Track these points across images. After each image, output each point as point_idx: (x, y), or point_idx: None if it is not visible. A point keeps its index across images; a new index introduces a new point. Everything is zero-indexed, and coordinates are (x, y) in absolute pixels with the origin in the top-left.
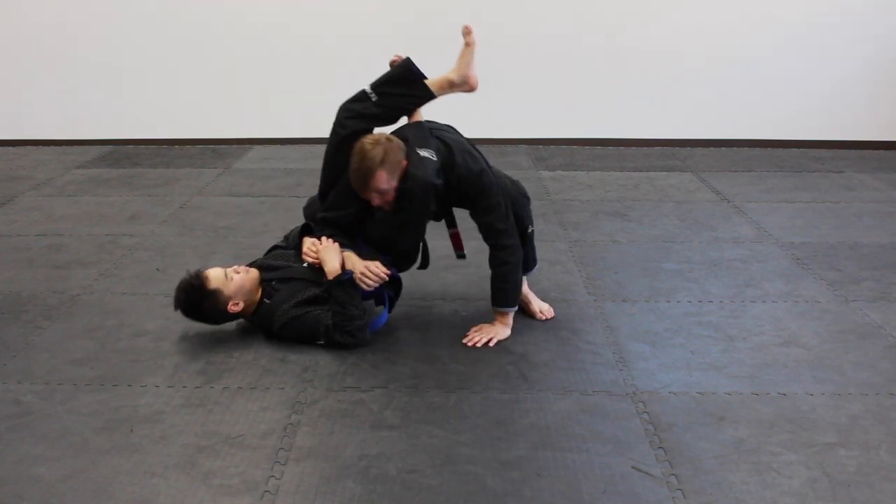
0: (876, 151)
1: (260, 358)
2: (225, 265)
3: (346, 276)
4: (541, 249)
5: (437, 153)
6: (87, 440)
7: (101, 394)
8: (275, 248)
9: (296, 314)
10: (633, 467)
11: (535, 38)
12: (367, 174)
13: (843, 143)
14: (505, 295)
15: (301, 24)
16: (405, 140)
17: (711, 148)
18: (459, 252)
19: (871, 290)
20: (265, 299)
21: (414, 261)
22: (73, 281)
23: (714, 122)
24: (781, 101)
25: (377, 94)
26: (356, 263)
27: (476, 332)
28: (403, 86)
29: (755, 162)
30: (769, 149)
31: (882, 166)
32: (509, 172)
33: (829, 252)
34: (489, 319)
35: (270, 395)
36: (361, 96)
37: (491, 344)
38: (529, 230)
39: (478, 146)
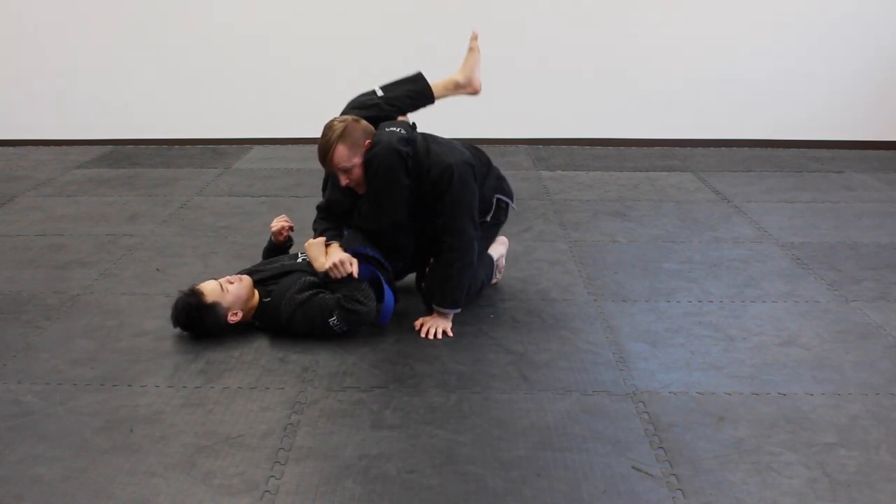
0: (876, 151)
1: (260, 358)
2: (216, 277)
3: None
4: (541, 249)
5: (411, 133)
6: (87, 440)
7: (101, 394)
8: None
9: (302, 299)
10: (633, 467)
11: (536, 38)
12: (326, 148)
13: (843, 143)
14: (443, 295)
15: (301, 23)
16: (376, 126)
17: (711, 148)
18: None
19: (871, 290)
20: (264, 299)
21: (404, 251)
22: (73, 281)
23: (714, 122)
24: (781, 101)
25: (383, 90)
26: (332, 256)
27: (421, 324)
28: (407, 84)
29: (755, 162)
30: (769, 149)
31: (882, 166)
32: (509, 172)
33: (829, 252)
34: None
35: (270, 395)
36: (368, 92)
37: (440, 335)
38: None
39: (478, 146)
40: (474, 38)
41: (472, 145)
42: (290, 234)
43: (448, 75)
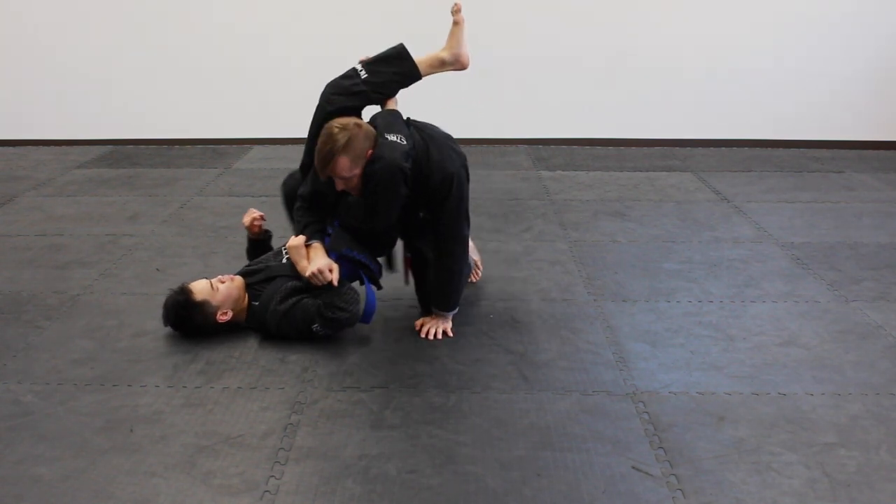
0: (876, 151)
1: (260, 358)
2: (209, 276)
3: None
4: (541, 249)
5: (410, 140)
6: (87, 440)
7: (101, 394)
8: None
9: (285, 309)
10: (633, 467)
11: (536, 38)
12: (328, 158)
13: (843, 143)
14: (444, 298)
15: (301, 23)
16: (376, 127)
17: (711, 148)
18: (407, 280)
19: (871, 290)
20: (253, 302)
21: (392, 245)
22: (73, 281)
23: (714, 122)
24: (781, 101)
25: (367, 71)
26: (313, 261)
27: (422, 324)
28: (392, 64)
29: (755, 162)
30: (769, 149)
31: (882, 166)
32: (509, 172)
33: (829, 252)
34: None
35: (270, 395)
36: (351, 73)
37: (440, 335)
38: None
39: (477, 146)
40: (457, 10)
41: (452, 138)
42: (263, 223)
43: (433, 51)
